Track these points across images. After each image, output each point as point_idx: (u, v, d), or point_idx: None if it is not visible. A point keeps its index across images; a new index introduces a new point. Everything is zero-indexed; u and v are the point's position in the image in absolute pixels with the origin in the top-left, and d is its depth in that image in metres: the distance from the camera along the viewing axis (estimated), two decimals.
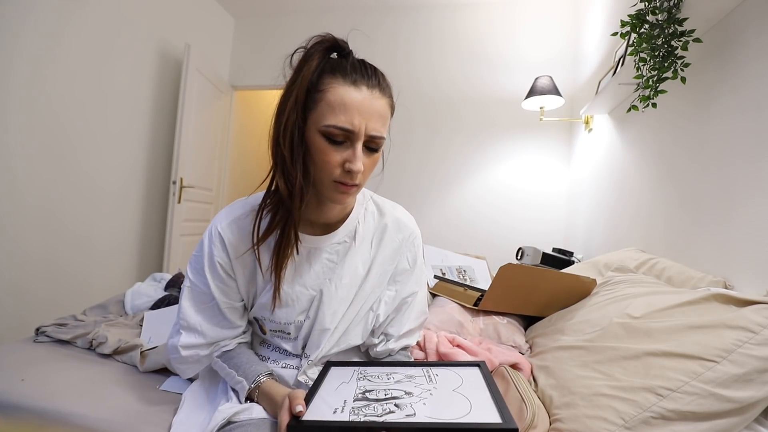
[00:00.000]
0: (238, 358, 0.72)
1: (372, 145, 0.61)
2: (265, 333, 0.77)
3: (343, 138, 0.59)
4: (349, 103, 0.58)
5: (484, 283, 1.78)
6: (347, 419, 0.54)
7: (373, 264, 0.74)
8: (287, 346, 0.75)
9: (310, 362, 0.72)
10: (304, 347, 0.75)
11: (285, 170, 0.60)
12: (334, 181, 0.61)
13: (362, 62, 0.63)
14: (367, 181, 0.67)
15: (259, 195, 0.68)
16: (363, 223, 0.76)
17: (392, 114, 0.66)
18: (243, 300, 0.74)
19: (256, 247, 0.66)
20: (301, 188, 0.60)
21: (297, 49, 0.62)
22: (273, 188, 0.64)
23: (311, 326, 0.73)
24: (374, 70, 0.63)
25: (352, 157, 0.59)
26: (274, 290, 0.68)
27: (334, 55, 0.64)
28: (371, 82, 0.60)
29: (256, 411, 0.64)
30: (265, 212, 0.65)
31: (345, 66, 0.60)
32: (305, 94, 0.59)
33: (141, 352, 0.94)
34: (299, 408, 0.54)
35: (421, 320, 0.83)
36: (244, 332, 0.77)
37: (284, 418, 0.54)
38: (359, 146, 0.59)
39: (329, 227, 0.73)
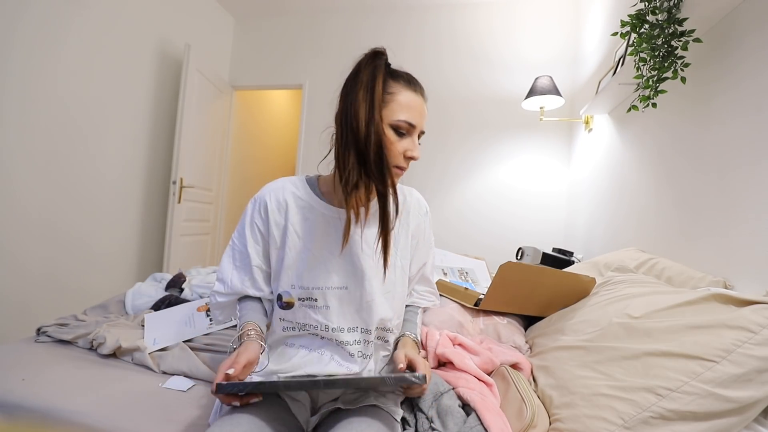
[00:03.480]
0: (248, 307, 0.81)
1: (419, 139, 0.77)
2: (292, 306, 0.77)
3: (406, 131, 0.73)
4: (414, 104, 0.74)
5: (486, 285, 1.78)
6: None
7: (400, 235, 0.83)
8: (320, 318, 0.76)
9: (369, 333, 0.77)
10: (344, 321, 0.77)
11: (360, 153, 0.69)
12: (394, 166, 0.74)
13: (406, 73, 0.79)
14: None
15: (294, 177, 0.84)
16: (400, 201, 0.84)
17: None
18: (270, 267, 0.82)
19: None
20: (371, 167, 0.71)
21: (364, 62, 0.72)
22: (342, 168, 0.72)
23: (359, 297, 0.77)
24: (416, 80, 0.79)
25: (413, 146, 0.74)
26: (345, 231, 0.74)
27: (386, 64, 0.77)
28: (421, 90, 0.77)
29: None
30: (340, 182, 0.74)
31: (401, 74, 0.76)
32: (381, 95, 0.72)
33: (150, 354, 0.95)
34: (231, 371, 0.63)
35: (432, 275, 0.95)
36: (265, 297, 0.83)
37: (218, 378, 0.63)
38: (416, 138, 0.75)
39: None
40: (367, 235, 0.78)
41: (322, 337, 0.76)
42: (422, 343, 0.96)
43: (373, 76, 0.71)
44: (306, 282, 0.76)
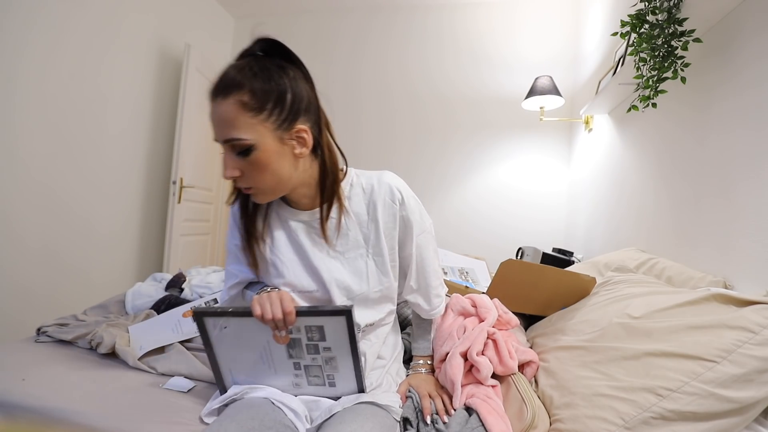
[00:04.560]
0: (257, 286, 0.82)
1: (237, 149, 0.65)
2: None
3: (223, 148, 0.67)
4: (212, 117, 0.68)
5: (486, 285, 1.78)
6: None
7: (378, 232, 0.78)
8: None
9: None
10: None
11: None
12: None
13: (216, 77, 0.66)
14: (272, 180, 0.69)
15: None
16: (354, 197, 0.80)
17: (262, 101, 0.64)
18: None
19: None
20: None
21: None
22: None
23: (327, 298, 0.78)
24: (219, 80, 0.65)
25: (223, 165, 0.67)
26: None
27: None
28: (220, 91, 0.64)
29: (258, 392, 0.71)
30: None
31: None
32: None
33: (142, 358, 0.95)
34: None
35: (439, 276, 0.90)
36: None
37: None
38: (228, 153, 0.66)
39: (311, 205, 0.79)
40: (335, 240, 0.78)
41: None
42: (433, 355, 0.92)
43: None
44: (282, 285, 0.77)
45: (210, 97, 0.66)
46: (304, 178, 0.74)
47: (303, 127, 0.68)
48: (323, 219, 0.76)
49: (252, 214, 0.77)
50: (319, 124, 0.72)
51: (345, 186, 0.79)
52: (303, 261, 0.78)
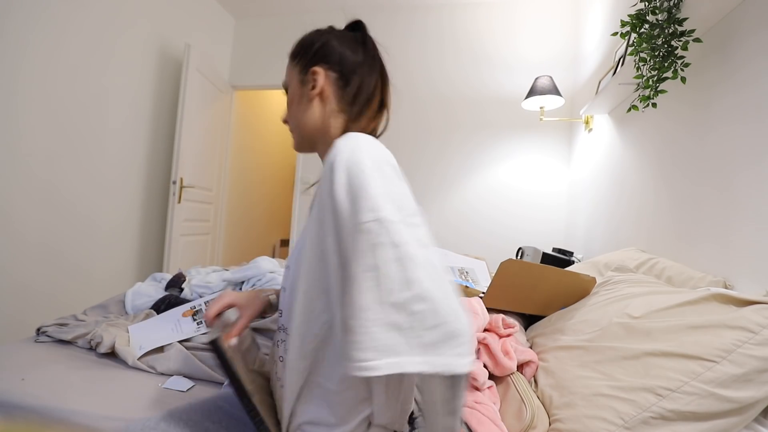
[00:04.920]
0: None
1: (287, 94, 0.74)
2: None
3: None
4: None
5: (486, 285, 1.78)
6: None
7: (312, 208, 0.59)
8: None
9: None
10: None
11: None
12: None
13: None
14: (296, 121, 0.72)
15: None
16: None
17: (302, 55, 0.73)
18: None
19: None
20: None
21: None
22: None
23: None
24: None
25: None
26: None
27: None
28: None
29: None
30: None
31: None
32: None
33: (142, 357, 0.95)
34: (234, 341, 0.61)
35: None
36: None
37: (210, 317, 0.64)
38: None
39: None
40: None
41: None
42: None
43: None
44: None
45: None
46: (331, 133, 0.68)
47: (316, 69, 0.70)
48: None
49: None
50: (345, 73, 0.70)
51: None
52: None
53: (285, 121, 0.75)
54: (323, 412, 0.56)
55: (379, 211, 0.46)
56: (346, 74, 0.70)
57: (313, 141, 0.71)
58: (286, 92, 0.75)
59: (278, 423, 0.60)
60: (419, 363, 0.44)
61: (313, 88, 0.69)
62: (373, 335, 0.44)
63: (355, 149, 0.51)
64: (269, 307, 0.72)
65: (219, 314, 0.66)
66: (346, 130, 0.68)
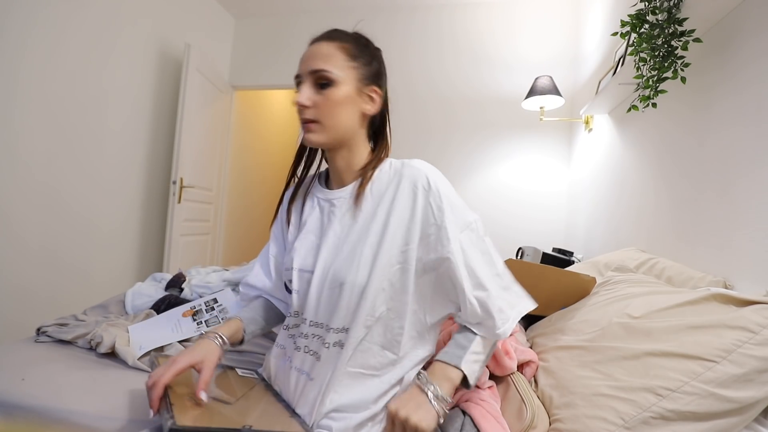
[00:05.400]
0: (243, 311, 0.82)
1: (320, 81, 0.70)
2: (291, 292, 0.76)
3: (299, 84, 0.72)
4: (304, 55, 0.73)
5: None
6: None
7: (389, 218, 0.69)
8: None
9: (332, 331, 0.67)
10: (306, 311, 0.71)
11: None
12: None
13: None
14: (337, 121, 0.72)
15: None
16: (377, 180, 0.75)
17: (358, 54, 0.73)
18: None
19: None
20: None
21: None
22: None
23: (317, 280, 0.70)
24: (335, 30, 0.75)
25: (299, 94, 0.70)
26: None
27: None
28: (324, 36, 0.73)
29: None
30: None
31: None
32: None
33: (140, 358, 0.95)
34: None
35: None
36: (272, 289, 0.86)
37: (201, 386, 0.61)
38: (306, 85, 0.71)
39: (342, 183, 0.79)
40: (347, 216, 0.74)
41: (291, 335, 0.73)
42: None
43: None
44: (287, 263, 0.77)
45: (310, 41, 0.74)
46: (358, 142, 0.76)
47: (377, 89, 0.75)
48: (357, 196, 0.73)
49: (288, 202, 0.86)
50: (385, 105, 0.79)
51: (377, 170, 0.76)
52: (316, 239, 0.75)
53: (304, 106, 0.70)
54: (360, 395, 0.66)
55: (472, 214, 0.71)
56: (385, 100, 0.79)
57: (341, 142, 0.75)
58: (320, 81, 0.70)
59: (294, 413, 0.67)
60: (518, 312, 0.70)
61: (371, 105, 0.75)
62: (499, 296, 0.67)
63: (435, 171, 0.72)
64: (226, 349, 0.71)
65: (164, 394, 0.60)
66: (368, 140, 0.79)
